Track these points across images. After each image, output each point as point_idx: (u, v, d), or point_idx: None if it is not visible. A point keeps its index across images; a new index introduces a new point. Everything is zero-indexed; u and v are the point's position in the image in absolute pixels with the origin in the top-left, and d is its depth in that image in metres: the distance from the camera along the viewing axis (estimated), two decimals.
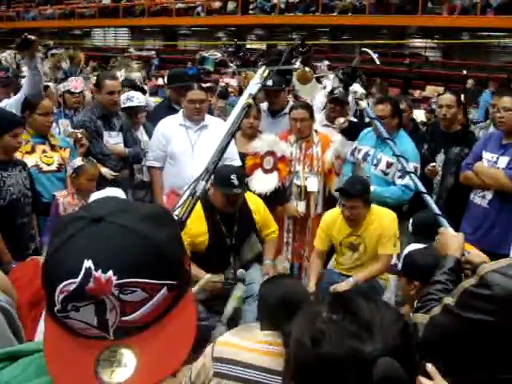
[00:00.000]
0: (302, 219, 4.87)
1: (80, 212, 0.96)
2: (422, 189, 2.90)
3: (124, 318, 0.87)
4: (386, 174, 4.69)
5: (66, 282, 0.86)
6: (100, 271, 0.85)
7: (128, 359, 0.87)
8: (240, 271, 4.05)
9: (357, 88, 3.55)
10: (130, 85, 7.06)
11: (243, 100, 3.13)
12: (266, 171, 4.82)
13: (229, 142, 2.89)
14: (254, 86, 3.20)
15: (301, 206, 4.82)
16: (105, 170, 4.65)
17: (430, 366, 1.10)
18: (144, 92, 6.98)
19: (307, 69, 3.58)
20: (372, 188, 4.49)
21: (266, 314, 2.47)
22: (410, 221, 3.95)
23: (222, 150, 2.81)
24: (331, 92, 5.41)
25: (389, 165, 4.66)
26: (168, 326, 0.91)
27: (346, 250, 4.30)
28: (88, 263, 0.85)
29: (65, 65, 6.46)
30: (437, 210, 2.72)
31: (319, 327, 1.00)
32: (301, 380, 1.01)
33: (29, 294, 3.16)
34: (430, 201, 2.85)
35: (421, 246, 3.08)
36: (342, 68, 3.96)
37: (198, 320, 0.99)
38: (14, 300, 2.07)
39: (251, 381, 2.24)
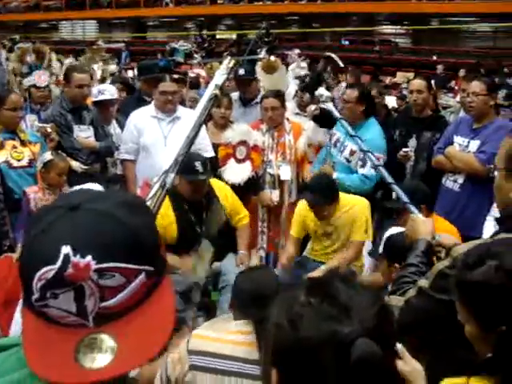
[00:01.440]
0: (276, 208, 4.89)
1: (56, 202, 0.96)
2: (390, 180, 2.90)
3: (103, 304, 0.88)
4: (348, 161, 4.71)
5: (44, 269, 0.85)
6: (78, 256, 0.85)
7: (108, 345, 0.87)
8: (215, 264, 4.05)
9: (322, 91, 3.58)
10: (122, 82, 6.99)
11: (210, 91, 3.11)
12: (239, 161, 4.81)
13: (197, 134, 2.88)
14: (220, 77, 3.18)
15: (274, 195, 4.84)
16: (75, 164, 4.59)
17: (399, 346, 1.11)
18: (134, 90, 6.93)
19: (272, 58, 3.57)
20: (335, 175, 4.52)
21: (238, 305, 2.49)
22: None
23: (191, 141, 2.80)
24: (302, 80, 5.43)
25: (352, 153, 4.66)
26: (147, 312, 0.91)
27: (321, 238, 4.31)
28: (66, 249, 0.85)
29: (29, 59, 6.36)
30: (405, 199, 2.74)
31: (297, 310, 1.01)
32: (280, 363, 1.02)
33: (3, 292, 3.12)
34: (399, 190, 2.85)
35: (401, 229, 3.09)
36: (307, 74, 3.96)
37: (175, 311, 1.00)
38: None
39: (226, 371, 2.24)
